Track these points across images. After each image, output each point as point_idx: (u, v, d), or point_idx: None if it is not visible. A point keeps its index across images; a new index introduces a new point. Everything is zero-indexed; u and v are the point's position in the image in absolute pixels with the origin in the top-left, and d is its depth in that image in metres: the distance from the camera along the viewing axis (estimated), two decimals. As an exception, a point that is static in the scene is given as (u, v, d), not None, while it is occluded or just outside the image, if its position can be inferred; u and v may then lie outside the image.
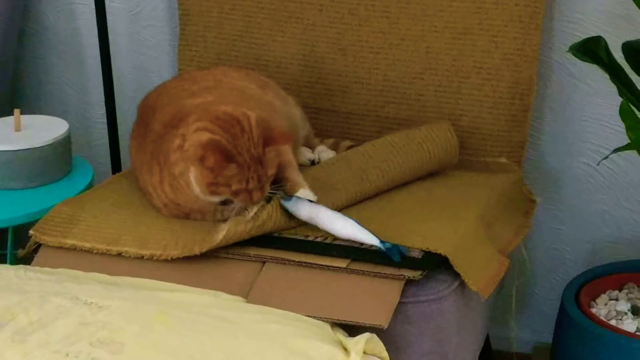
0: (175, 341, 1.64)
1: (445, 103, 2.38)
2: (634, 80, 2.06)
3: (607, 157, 2.25)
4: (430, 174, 2.24)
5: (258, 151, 1.89)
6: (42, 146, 2.34)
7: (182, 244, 1.93)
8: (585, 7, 2.39)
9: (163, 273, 1.90)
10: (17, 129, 2.41)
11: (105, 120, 2.70)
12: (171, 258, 1.92)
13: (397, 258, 1.83)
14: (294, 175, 2.00)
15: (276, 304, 1.78)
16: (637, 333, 2.15)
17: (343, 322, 1.77)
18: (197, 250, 1.90)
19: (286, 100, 2.30)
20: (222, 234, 1.88)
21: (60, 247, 2.00)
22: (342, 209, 2.04)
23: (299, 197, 1.93)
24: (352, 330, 1.76)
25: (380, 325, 1.76)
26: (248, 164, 1.88)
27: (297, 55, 2.49)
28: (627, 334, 2.13)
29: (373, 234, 1.87)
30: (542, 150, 2.53)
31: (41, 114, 2.70)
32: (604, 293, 2.30)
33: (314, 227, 1.94)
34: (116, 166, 2.70)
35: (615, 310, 2.22)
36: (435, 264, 1.87)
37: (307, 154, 2.31)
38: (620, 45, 2.09)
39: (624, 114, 1.98)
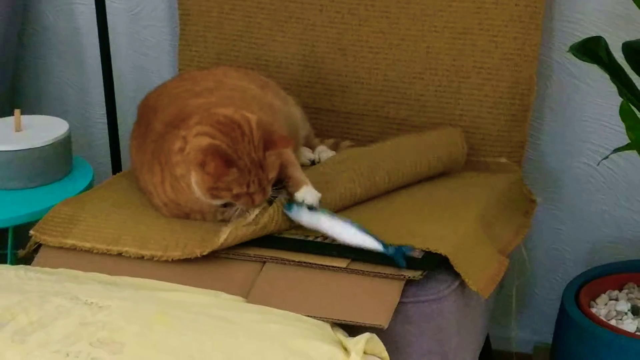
0: (175, 341, 1.64)
1: (445, 103, 2.38)
2: (634, 80, 2.06)
3: (607, 157, 2.25)
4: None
5: (259, 155, 1.89)
6: (42, 146, 2.34)
7: (183, 245, 1.93)
8: (585, 7, 2.39)
9: (163, 273, 1.90)
10: (18, 129, 2.41)
11: (105, 120, 2.70)
12: (172, 259, 1.92)
13: (402, 263, 1.83)
14: (297, 173, 1.99)
15: (276, 304, 1.78)
16: (637, 333, 2.15)
17: (343, 322, 1.77)
18: (197, 253, 1.90)
19: (286, 100, 2.30)
20: (224, 237, 1.88)
21: (61, 247, 2.00)
22: (345, 209, 2.04)
23: (300, 205, 1.92)
24: (352, 330, 1.76)
25: (380, 325, 1.76)
26: (249, 168, 1.88)
27: (297, 55, 2.49)
28: (627, 334, 2.13)
29: (376, 239, 1.86)
30: (542, 150, 2.53)
31: (41, 114, 2.70)
32: (604, 293, 2.30)
33: (314, 227, 1.95)
34: (116, 166, 2.70)
35: (615, 310, 2.22)
36: (435, 264, 1.87)
37: (307, 154, 2.31)
38: (621, 45, 2.09)
39: (624, 114, 1.98)
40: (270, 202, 1.93)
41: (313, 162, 2.30)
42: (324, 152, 2.32)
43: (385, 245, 1.84)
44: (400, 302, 1.81)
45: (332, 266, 1.87)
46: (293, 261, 1.89)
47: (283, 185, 1.97)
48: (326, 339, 1.70)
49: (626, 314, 2.22)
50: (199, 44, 2.57)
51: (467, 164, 2.32)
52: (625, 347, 2.10)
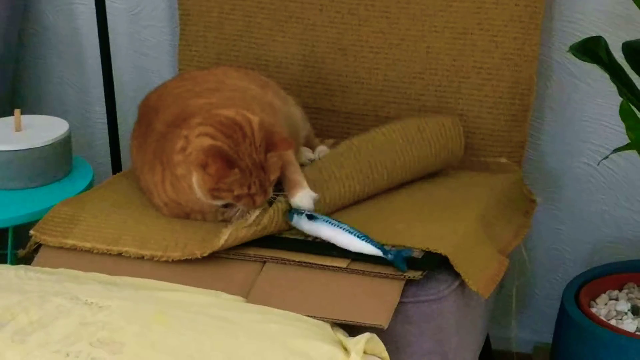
0: (175, 341, 1.64)
1: (446, 103, 2.38)
2: (634, 80, 2.06)
3: (607, 157, 2.25)
4: (431, 174, 2.24)
5: (260, 156, 1.89)
6: (42, 146, 2.34)
7: (183, 245, 1.93)
8: (585, 7, 2.39)
9: (163, 273, 1.90)
10: (18, 129, 2.41)
11: (105, 120, 2.70)
12: (172, 260, 1.92)
13: (403, 268, 1.83)
14: (294, 174, 1.99)
15: (276, 304, 1.78)
16: (637, 333, 2.15)
17: (343, 322, 1.77)
18: (198, 254, 1.90)
19: (286, 100, 2.30)
20: (224, 238, 1.88)
21: (61, 247, 2.00)
22: (344, 208, 2.04)
23: (300, 214, 1.92)
24: (352, 330, 1.76)
25: (380, 325, 1.76)
26: (250, 170, 1.88)
27: (297, 55, 2.49)
28: (627, 334, 2.13)
29: (376, 245, 1.86)
30: (542, 150, 2.53)
31: (41, 114, 2.70)
32: (604, 293, 2.30)
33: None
34: (116, 166, 2.70)
35: (615, 310, 2.22)
36: (435, 264, 1.87)
37: (307, 154, 2.31)
38: (621, 45, 2.09)
39: (624, 113, 1.98)
40: (270, 203, 1.93)
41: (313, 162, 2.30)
42: (324, 152, 2.31)
43: (385, 251, 1.84)
44: (400, 302, 1.81)
45: (332, 266, 1.87)
46: (293, 261, 1.89)
47: (280, 188, 1.97)
48: (326, 339, 1.70)
49: (626, 313, 2.22)
50: (199, 44, 2.57)
51: (467, 163, 2.32)
52: (625, 347, 2.10)
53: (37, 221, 2.07)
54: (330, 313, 1.78)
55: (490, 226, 2.09)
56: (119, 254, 1.96)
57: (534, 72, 2.33)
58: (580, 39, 2.09)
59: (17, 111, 2.43)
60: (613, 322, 2.18)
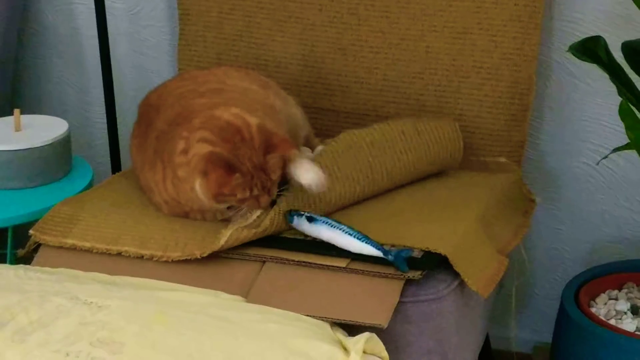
0: (175, 341, 1.64)
1: (445, 102, 2.38)
2: (634, 80, 2.06)
3: (606, 157, 2.25)
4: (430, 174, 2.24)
5: (260, 159, 1.89)
6: (42, 146, 2.34)
7: (183, 245, 1.93)
8: (585, 7, 2.39)
9: (163, 273, 1.90)
10: (17, 128, 2.41)
11: (105, 120, 2.70)
12: (171, 260, 1.92)
13: (404, 268, 1.83)
14: (304, 159, 1.97)
15: (276, 304, 1.78)
16: (637, 332, 2.15)
17: (343, 321, 1.77)
18: (197, 254, 1.90)
19: (286, 100, 2.30)
20: (224, 239, 1.88)
21: (60, 247, 2.00)
22: (344, 208, 2.04)
23: (300, 216, 1.92)
24: (352, 329, 1.76)
25: (380, 324, 1.76)
26: (251, 173, 1.88)
27: (296, 55, 2.49)
28: (626, 334, 2.13)
29: (376, 246, 1.86)
30: (541, 149, 2.53)
31: (41, 113, 2.70)
32: (604, 293, 2.30)
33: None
34: (116, 166, 2.70)
35: (615, 310, 2.22)
36: (435, 264, 1.87)
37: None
38: (620, 44, 2.09)
39: (624, 113, 1.98)
40: (273, 202, 1.94)
41: (312, 162, 2.30)
42: (323, 152, 2.31)
43: (385, 252, 1.84)
44: (399, 302, 1.81)
45: (332, 266, 1.87)
46: (293, 261, 1.89)
47: (285, 188, 1.97)
48: (326, 339, 1.70)
49: (625, 313, 2.22)
50: (198, 43, 2.57)
51: (467, 163, 2.32)
52: (625, 347, 2.10)
53: (36, 221, 2.07)
54: (330, 313, 1.78)
55: (489, 226, 2.09)
56: (119, 254, 1.96)
57: (534, 71, 2.33)
58: (579, 39, 2.09)
59: (16, 111, 2.43)
60: (612, 321, 2.18)
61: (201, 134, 1.93)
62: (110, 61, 2.64)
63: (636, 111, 2.00)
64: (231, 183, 1.87)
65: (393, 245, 1.89)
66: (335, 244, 1.88)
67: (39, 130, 2.41)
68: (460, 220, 2.03)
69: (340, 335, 1.74)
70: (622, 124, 2.00)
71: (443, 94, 2.38)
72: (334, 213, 2.02)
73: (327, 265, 1.87)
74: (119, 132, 2.68)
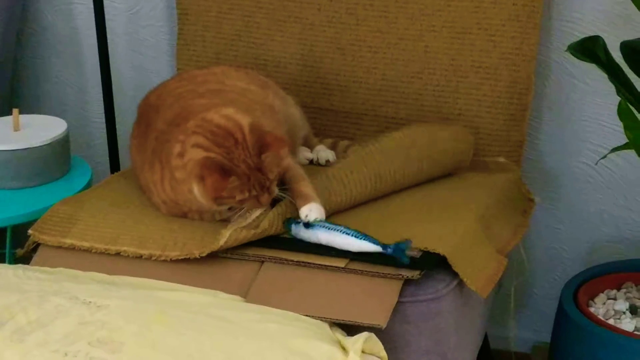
0: (174, 341, 1.64)
1: (444, 102, 2.38)
2: (632, 80, 2.06)
3: (605, 157, 2.25)
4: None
5: (254, 159, 1.89)
6: (40, 146, 2.34)
7: (181, 245, 1.93)
8: (584, 7, 2.39)
9: (162, 272, 1.90)
10: (16, 128, 2.41)
11: (103, 120, 2.70)
12: (170, 259, 1.92)
13: (404, 259, 1.82)
14: (306, 189, 1.96)
15: (275, 304, 1.78)
16: (636, 332, 2.15)
17: (342, 321, 1.77)
18: (196, 254, 1.90)
19: (285, 100, 2.30)
20: (224, 239, 1.88)
21: (59, 247, 2.00)
22: (345, 210, 2.04)
23: (298, 223, 1.92)
24: (351, 329, 1.76)
25: (378, 324, 1.76)
26: (247, 175, 1.88)
27: (295, 55, 2.49)
28: (625, 334, 2.13)
29: (375, 242, 1.86)
30: (540, 149, 2.53)
31: (40, 113, 2.70)
32: (603, 292, 2.30)
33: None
34: (115, 165, 2.70)
35: (614, 310, 2.22)
36: (433, 264, 1.87)
37: (306, 154, 2.31)
38: (619, 44, 2.09)
39: (622, 113, 1.98)
40: (276, 201, 1.93)
41: (311, 162, 2.30)
42: (322, 152, 2.31)
43: (384, 247, 1.84)
44: (398, 302, 1.81)
45: (331, 266, 1.87)
46: (291, 261, 1.89)
47: (286, 187, 1.97)
48: (325, 339, 1.70)
49: (624, 313, 2.22)
50: (197, 43, 2.57)
51: (466, 163, 2.32)
52: (624, 347, 2.10)
53: (35, 220, 2.07)
54: (329, 313, 1.78)
55: (488, 226, 2.09)
56: (118, 254, 1.96)
57: (532, 71, 2.33)
58: (578, 39, 2.09)
59: (15, 111, 2.43)
60: (611, 321, 2.18)
61: (195, 139, 1.93)
62: (109, 61, 2.64)
63: (635, 111, 2.00)
64: (228, 186, 1.87)
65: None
66: (334, 245, 1.88)
67: (37, 130, 2.41)
68: (459, 220, 2.03)
69: (339, 335, 1.74)
70: (620, 124, 2.00)
71: (442, 93, 2.38)
72: (333, 215, 2.01)
73: (325, 265, 1.87)
74: (118, 131, 2.68)
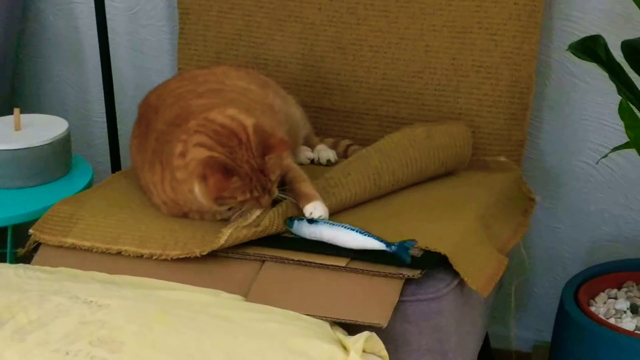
0: (175, 340, 1.64)
1: (445, 102, 2.38)
2: (633, 79, 2.06)
3: (606, 156, 2.25)
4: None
5: (257, 160, 1.89)
6: (41, 145, 2.34)
7: (182, 244, 1.93)
8: (585, 6, 2.39)
9: (162, 272, 1.90)
10: (17, 128, 2.41)
11: (104, 119, 2.70)
12: (171, 258, 1.92)
13: (407, 258, 1.82)
14: (308, 188, 1.97)
15: (275, 303, 1.78)
16: (636, 332, 2.15)
17: (342, 321, 1.77)
18: (197, 252, 1.90)
19: (286, 100, 2.30)
20: (224, 239, 1.88)
21: (60, 246, 2.00)
22: (345, 209, 2.04)
23: (301, 220, 1.92)
24: (352, 328, 1.76)
25: (379, 324, 1.76)
26: (250, 176, 1.88)
27: (296, 54, 2.49)
28: (626, 333, 2.13)
29: (378, 239, 1.86)
30: (541, 149, 2.53)
31: (41, 113, 2.70)
32: (603, 292, 2.30)
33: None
34: (116, 165, 2.70)
35: (614, 309, 2.22)
36: (434, 263, 1.87)
37: (306, 153, 2.31)
38: (620, 43, 2.09)
39: (623, 112, 1.98)
40: (276, 202, 1.93)
41: (312, 162, 2.30)
42: (323, 151, 2.32)
43: (388, 244, 1.84)
44: (399, 301, 1.81)
45: (332, 265, 1.87)
46: (292, 260, 1.89)
47: (286, 188, 1.97)
48: (325, 338, 1.70)
49: (625, 312, 2.22)
50: (198, 42, 2.57)
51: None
52: (624, 346, 2.10)
53: (36, 220, 2.07)
54: (330, 312, 1.78)
55: (489, 225, 2.09)
56: (118, 253, 1.96)
57: (533, 70, 2.33)
58: (579, 38, 2.09)
59: (16, 110, 2.43)
60: (612, 320, 2.18)
61: (198, 138, 1.93)
62: (110, 60, 2.64)
63: (636, 110, 2.00)
64: (230, 187, 1.87)
65: (394, 244, 1.89)
66: (337, 241, 1.88)
67: (38, 129, 2.41)
68: (460, 220, 2.03)
69: (340, 334, 1.74)
70: (621, 123, 2.00)
71: (443, 93, 2.38)
72: (334, 215, 2.01)
73: (326, 265, 1.87)
74: (119, 131, 2.68)
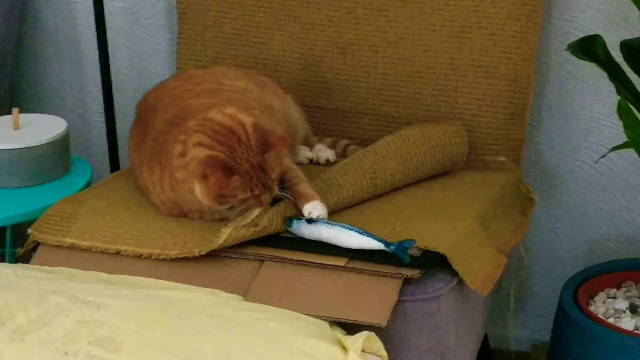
0: (174, 340, 1.64)
1: (443, 101, 2.38)
2: (632, 79, 2.06)
3: (605, 156, 2.25)
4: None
5: (257, 159, 1.89)
6: (40, 145, 2.34)
7: (181, 244, 1.93)
8: (584, 6, 2.39)
9: (161, 271, 1.90)
10: (16, 127, 2.41)
11: (103, 119, 2.70)
12: (170, 258, 1.92)
13: (406, 259, 1.82)
14: (306, 189, 1.97)
15: (274, 303, 1.78)
16: (635, 331, 2.15)
17: (342, 320, 1.77)
18: (196, 252, 1.90)
19: (284, 99, 2.30)
20: (223, 238, 1.88)
21: (59, 246, 2.00)
22: (344, 209, 2.04)
23: (300, 219, 1.92)
24: (351, 328, 1.76)
25: (378, 323, 1.76)
26: (250, 174, 1.88)
27: (295, 54, 2.49)
28: (625, 332, 2.13)
29: (377, 239, 1.86)
30: (540, 148, 2.53)
31: (39, 112, 2.70)
32: (602, 291, 2.30)
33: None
34: (114, 165, 2.70)
35: (614, 309, 2.22)
36: (433, 263, 1.87)
37: (305, 153, 2.31)
38: (619, 43, 2.09)
39: (622, 112, 1.98)
40: (277, 201, 1.93)
41: (311, 161, 2.30)
42: (322, 151, 2.32)
43: (387, 244, 1.84)
44: (398, 301, 1.81)
45: (331, 265, 1.87)
46: (291, 260, 1.89)
47: (284, 187, 1.97)
48: (325, 338, 1.70)
49: (624, 312, 2.22)
50: (197, 42, 2.57)
51: (466, 162, 2.32)
52: (623, 345, 2.10)
53: (35, 220, 2.07)
54: (329, 311, 1.78)
55: (488, 225, 2.09)
56: (117, 253, 1.96)
57: (532, 70, 2.33)
58: (578, 38, 2.09)
59: (15, 110, 2.43)
60: (611, 320, 2.18)
61: (197, 137, 1.93)
62: (108, 60, 2.64)
63: (634, 110, 2.00)
64: (230, 185, 1.87)
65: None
66: (337, 241, 1.88)
67: (37, 129, 2.41)
68: (459, 219, 2.03)
69: (339, 334, 1.74)
70: (620, 123, 2.00)
71: (442, 92, 2.38)
72: (333, 214, 2.02)
73: (325, 264, 1.87)
74: (118, 131, 2.68)
